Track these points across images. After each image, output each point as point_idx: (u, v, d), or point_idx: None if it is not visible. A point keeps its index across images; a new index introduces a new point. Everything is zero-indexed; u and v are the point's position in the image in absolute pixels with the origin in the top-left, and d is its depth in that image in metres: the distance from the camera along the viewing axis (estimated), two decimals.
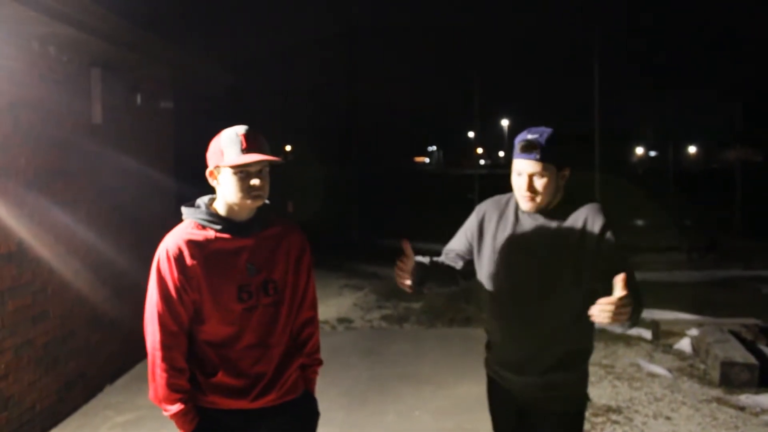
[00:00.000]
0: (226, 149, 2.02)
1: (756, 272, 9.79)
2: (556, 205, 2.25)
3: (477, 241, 2.35)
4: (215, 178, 2.07)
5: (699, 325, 6.34)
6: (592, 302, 1.95)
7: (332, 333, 6.81)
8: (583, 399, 2.34)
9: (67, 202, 4.59)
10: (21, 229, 4.01)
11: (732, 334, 5.81)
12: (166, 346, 2.02)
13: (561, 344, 2.21)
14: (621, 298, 1.87)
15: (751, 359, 5.10)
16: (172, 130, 6.87)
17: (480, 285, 2.36)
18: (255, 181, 2.02)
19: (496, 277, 2.29)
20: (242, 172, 2.01)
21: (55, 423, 4.36)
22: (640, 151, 52.47)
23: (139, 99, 5.77)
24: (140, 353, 5.69)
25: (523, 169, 2.19)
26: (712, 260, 10.97)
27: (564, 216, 2.22)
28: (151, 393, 2.06)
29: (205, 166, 2.10)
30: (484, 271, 2.33)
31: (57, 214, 4.45)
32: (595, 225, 2.17)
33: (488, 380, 2.46)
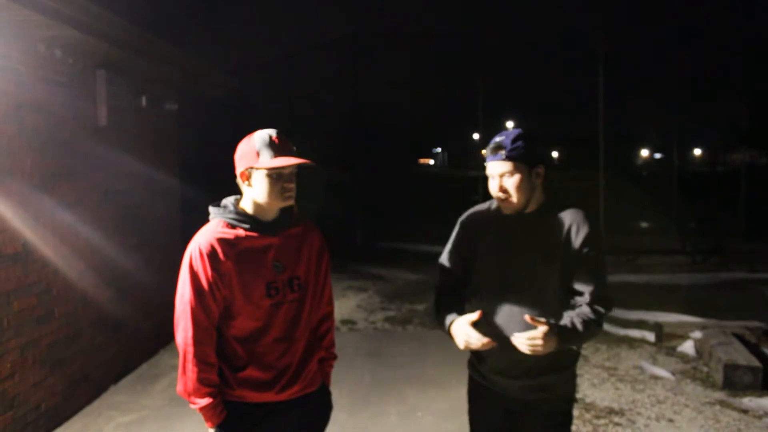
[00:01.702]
0: (262, 151, 2.08)
1: (760, 275, 9.75)
2: (538, 207, 2.28)
3: (468, 254, 2.37)
4: (247, 180, 2.13)
5: (702, 327, 6.33)
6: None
7: (336, 334, 6.80)
8: (572, 398, 2.40)
9: (72, 203, 4.62)
10: (26, 231, 4.04)
11: (735, 336, 5.80)
12: (198, 341, 2.08)
13: None
14: (535, 336, 2.08)
15: (755, 362, 5.09)
16: (176, 132, 6.90)
17: (472, 296, 2.39)
18: (288, 184, 2.12)
19: (487, 285, 2.32)
20: (276, 174, 2.09)
21: (60, 423, 4.39)
22: (645, 153, 52.34)
23: (144, 101, 5.80)
24: (144, 353, 5.75)
25: (494, 170, 2.25)
26: (716, 263, 10.93)
27: (548, 220, 2.26)
28: (180, 387, 2.11)
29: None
30: (476, 279, 2.37)
31: (62, 215, 4.48)
32: (581, 233, 2.21)
33: (473, 385, 2.46)
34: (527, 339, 2.09)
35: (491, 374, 2.33)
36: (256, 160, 2.09)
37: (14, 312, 3.92)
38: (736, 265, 10.59)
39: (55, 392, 4.34)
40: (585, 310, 2.19)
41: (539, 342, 2.08)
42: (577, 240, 2.21)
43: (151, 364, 5.74)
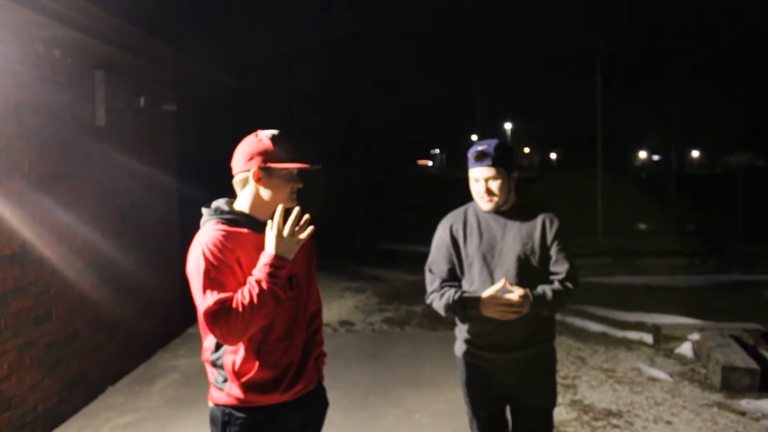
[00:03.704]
0: (280, 151, 2.08)
1: (758, 277, 9.76)
2: (512, 206, 2.69)
3: (455, 253, 2.71)
4: (258, 179, 2.10)
5: (700, 329, 6.33)
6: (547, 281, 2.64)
7: (333, 335, 6.83)
8: (554, 368, 2.81)
9: (70, 203, 4.61)
10: (24, 231, 4.04)
11: (733, 338, 5.80)
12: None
13: (535, 318, 2.61)
14: (512, 299, 2.51)
15: (753, 364, 5.09)
16: (175, 132, 6.89)
17: (463, 281, 2.71)
18: (297, 184, 2.13)
19: (480, 274, 2.65)
20: (290, 174, 2.11)
21: (57, 424, 4.38)
22: (643, 155, 52.41)
23: (142, 102, 5.80)
24: (142, 354, 5.74)
25: (479, 175, 2.62)
26: (714, 265, 10.93)
27: (525, 216, 2.68)
28: (246, 314, 1.94)
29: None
30: (467, 274, 2.69)
31: (60, 215, 4.47)
32: (554, 227, 2.66)
33: (467, 368, 2.76)
34: (505, 302, 2.50)
35: (487, 352, 2.68)
36: (274, 159, 2.08)
37: (12, 312, 3.91)
38: (734, 267, 10.60)
39: (52, 393, 4.33)
40: (556, 285, 2.61)
41: (516, 302, 2.50)
42: (551, 232, 2.65)
43: (149, 365, 5.73)
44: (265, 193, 2.12)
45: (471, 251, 2.67)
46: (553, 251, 2.65)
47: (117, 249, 5.29)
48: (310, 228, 2.06)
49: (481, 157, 2.59)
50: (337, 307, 8.06)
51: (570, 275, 2.64)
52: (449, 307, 2.62)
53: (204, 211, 2.18)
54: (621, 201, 15.64)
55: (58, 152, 4.48)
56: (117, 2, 4.75)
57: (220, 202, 2.18)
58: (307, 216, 2.08)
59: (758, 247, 12.52)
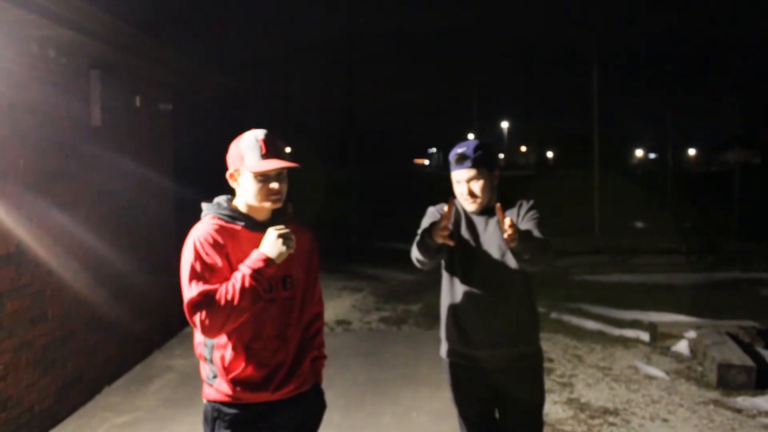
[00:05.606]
0: (247, 154, 2.10)
1: (754, 274, 9.79)
2: (494, 205, 2.58)
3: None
4: (235, 180, 2.16)
5: (696, 327, 6.34)
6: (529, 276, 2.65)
7: (330, 335, 6.82)
8: (542, 366, 2.80)
9: (65, 203, 4.60)
10: (20, 231, 4.02)
11: (729, 336, 5.82)
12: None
13: (518, 314, 2.64)
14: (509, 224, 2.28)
15: (748, 361, 5.11)
16: (171, 132, 6.89)
17: (447, 280, 2.72)
18: (274, 185, 2.12)
19: (466, 270, 2.65)
20: (262, 176, 2.11)
21: (54, 424, 4.37)
22: (639, 153, 52.56)
23: (138, 101, 5.78)
24: (138, 354, 5.74)
25: (461, 177, 2.62)
26: (710, 262, 10.97)
27: (505, 210, 2.59)
28: (234, 298, 1.99)
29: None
30: (453, 267, 2.68)
31: (56, 215, 4.46)
32: (524, 207, 2.67)
33: (455, 370, 2.76)
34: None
35: (475, 350, 2.67)
36: (242, 163, 2.11)
37: (7, 313, 3.90)
38: (730, 264, 10.63)
39: (48, 393, 4.32)
40: (536, 233, 2.52)
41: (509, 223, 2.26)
42: (522, 212, 2.64)
43: (146, 365, 5.72)
44: (245, 195, 2.16)
45: (456, 247, 2.64)
46: (524, 222, 2.60)
47: (113, 249, 5.28)
48: (294, 240, 2.09)
49: (461, 159, 2.60)
50: (334, 307, 8.06)
51: (544, 241, 2.50)
52: (421, 241, 2.52)
53: (204, 205, 2.22)
54: (618, 199, 15.69)
55: (53, 152, 4.47)
56: (113, 1, 4.73)
57: (221, 199, 2.23)
58: (289, 230, 2.10)
59: (754, 244, 12.57)
